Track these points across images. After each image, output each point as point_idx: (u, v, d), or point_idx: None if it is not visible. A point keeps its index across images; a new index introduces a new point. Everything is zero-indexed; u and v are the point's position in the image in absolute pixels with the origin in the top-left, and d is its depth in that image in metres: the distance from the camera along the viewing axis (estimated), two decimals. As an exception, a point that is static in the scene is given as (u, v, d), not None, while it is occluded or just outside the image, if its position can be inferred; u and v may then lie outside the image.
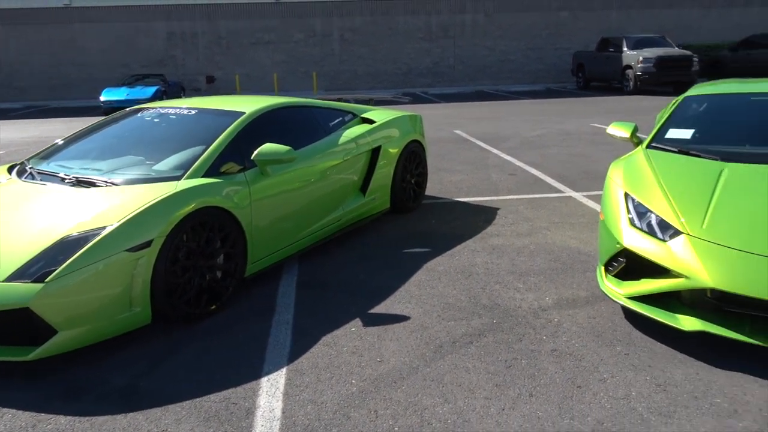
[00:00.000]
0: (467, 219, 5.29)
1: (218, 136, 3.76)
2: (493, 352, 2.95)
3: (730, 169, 3.30)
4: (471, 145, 9.49)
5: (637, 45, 19.07)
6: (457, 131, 11.13)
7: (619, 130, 4.29)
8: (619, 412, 2.44)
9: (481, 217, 5.34)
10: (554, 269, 4.02)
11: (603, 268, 3.32)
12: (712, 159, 3.47)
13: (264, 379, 2.75)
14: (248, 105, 4.28)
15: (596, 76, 20.73)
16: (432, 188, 6.49)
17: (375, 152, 5.00)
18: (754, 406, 2.45)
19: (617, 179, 3.52)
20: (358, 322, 3.31)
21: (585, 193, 6.07)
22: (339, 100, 6.34)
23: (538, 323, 3.25)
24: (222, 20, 23.40)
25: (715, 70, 21.70)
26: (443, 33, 24.67)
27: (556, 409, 2.47)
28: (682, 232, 2.96)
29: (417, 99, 19.19)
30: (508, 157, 8.26)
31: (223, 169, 3.62)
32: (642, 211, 3.19)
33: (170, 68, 23.14)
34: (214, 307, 3.37)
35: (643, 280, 3.06)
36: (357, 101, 6.29)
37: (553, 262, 4.16)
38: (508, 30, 24.83)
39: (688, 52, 18.47)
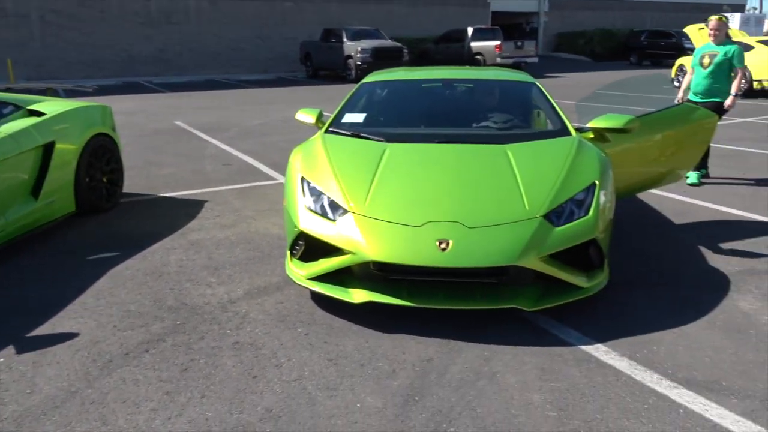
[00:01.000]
0: (169, 215, 4.96)
1: None
2: (169, 357, 2.76)
3: (391, 149, 3.60)
4: (190, 136, 9.04)
5: (355, 36, 20.35)
6: (178, 122, 10.52)
7: (306, 116, 4.41)
8: (289, 395, 2.46)
9: (184, 211, 5.07)
10: (251, 258, 3.98)
11: (289, 252, 3.36)
12: (378, 141, 3.74)
13: None
14: None
15: (323, 65, 21.59)
16: (136, 184, 5.97)
17: (48, 149, 4.36)
18: (409, 363, 2.70)
19: (296, 164, 3.59)
20: (9, 350, 2.82)
21: (295, 179, 6.17)
22: (47, 91, 5.45)
23: (224, 317, 3.15)
24: None
25: (422, 60, 24.36)
26: (165, 19, 23.16)
27: (226, 406, 2.40)
28: (349, 211, 3.12)
29: (138, 89, 17.74)
30: (226, 147, 8.05)
31: None
32: (317, 194, 3.29)
33: None
34: None
35: (321, 260, 3.17)
36: (31, 91, 5.43)
37: (252, 251, 4.12)
38: (234, 17, 24.37)
39: (399, 44, 20.34)
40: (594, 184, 3.22)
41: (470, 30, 22.15)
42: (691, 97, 5.78)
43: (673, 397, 2.42)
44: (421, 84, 4.54)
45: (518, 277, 2.97)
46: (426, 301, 2.94)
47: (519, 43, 21.74)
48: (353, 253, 2.97)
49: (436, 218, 3.00)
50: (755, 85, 13.12)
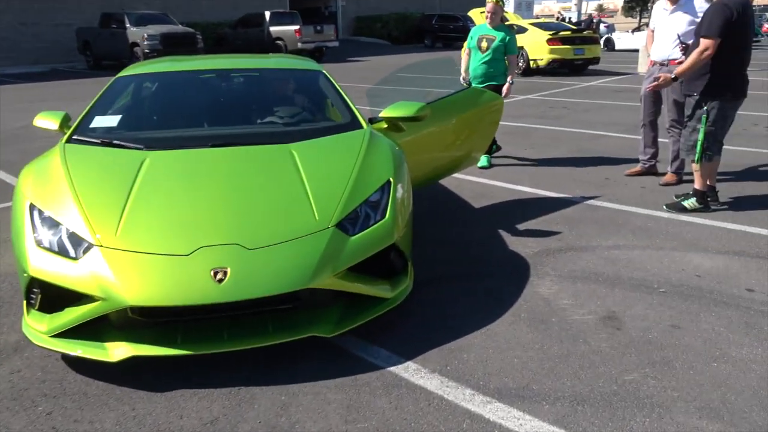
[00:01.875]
0: None
1: None
2: None
3: (152, 158, 2.96)
4: None
5: (140, 21, 18.46)
6: None
7: (48, 121, 3.55)
8: None
9: None
10: (-17, 311, 3.08)
11: (24, 303, 2.59)
12: (136, 148, 3.08)
13: None
14: None
15: (105, 54, 19.33)
16: None
17: None
18: (187, 430, 2.16)
19: (25, 188, 2.80)
20: None
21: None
22: None
23: (-73, 408, 2.31)
24: None
25: (220, 47, 23.06)
26: None
27: None
28: (95, 245, 2.45)
29: None
30: (-31, 160, 6.56)
31: None
32: (52, 226, 2.57)
33: None
34: None
35: (67, 310, 2.47)
36: None
37: (-14, 299, 3.20)
38: (-14, 2, 20.75)
39: (191, 30, 18.90)
40: (389, 182, 2.93)
41: (268, 14, 21.35)
42: (471, 80, 5.80)
43: (487, 416, 2.22)
44: (192, 76, 3.90)
45: (314, 301, 2.57)
46: (206, 345, 2.42)
47: (319, 28, 21.50)
48: (104, 299, 2.34)
49: (209, 242, 2.48)
50: (531, 64, 14.35)
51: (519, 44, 14.51)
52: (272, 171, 2.91)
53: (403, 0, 34.13)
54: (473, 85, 5.60)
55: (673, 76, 4.30)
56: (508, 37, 5.55)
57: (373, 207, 2.81)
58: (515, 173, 5.66)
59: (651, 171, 5.43)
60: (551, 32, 14.26)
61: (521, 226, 4.20)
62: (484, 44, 5.58)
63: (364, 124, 3.49)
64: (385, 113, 3.68)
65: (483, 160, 5.87)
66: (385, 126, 3.76)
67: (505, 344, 2.69)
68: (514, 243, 3.88)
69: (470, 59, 5.77)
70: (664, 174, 5.26)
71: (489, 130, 4.64)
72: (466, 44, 5.80)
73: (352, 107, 3.62)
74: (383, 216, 2.77)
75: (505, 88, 5.60)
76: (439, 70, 15.88)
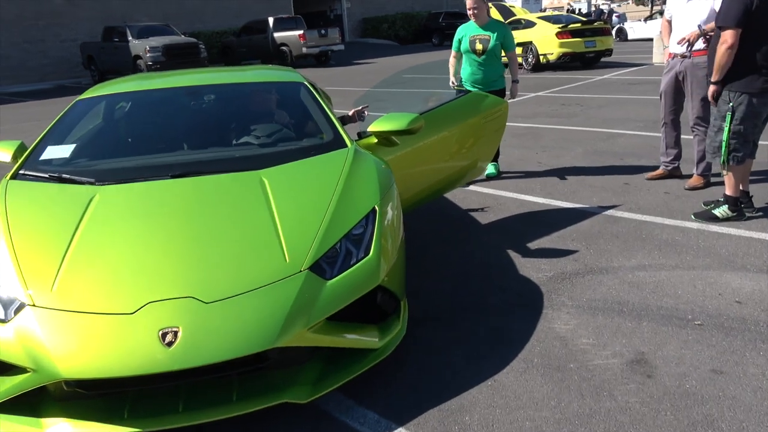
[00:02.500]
0: None
1: None
2: None
3: (102, 195, 2.59)
4: None
5: (141, 34, 18.30)
6: None
7: (1, 152, 3.20)
8: None
9: None
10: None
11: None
12: (87, 183, 2.71)
13: None
14: None
15: (110, 67, 19.17)
16: None
17: None
18: None
19: (-45, 234, 2.44)
20: None
21: None
22: None
23: None
24: None
25: (225, 56, 22.86)
26: None
27: None
28: (27, 304, 2.09)
29: None
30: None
31: None
32: (-20, 281, 2.21)
33: None
34: None
35: (-1, 380, 2.11)
36: None
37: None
38: (-10, 20, 20.74)
39: (193, 40, 18.69)
40: (374, 211, 2.54)
41: (271, 20, 21.07)
42: (468, 87, 5.16)
43: (492, 504, 1.81)
44: (158, 95, 3.51)
45: (285, 360, 2.19)
46: (158, 420, 2.04)
47: (323, 31, 21.15)
48: (34, 371, 1.97)
49: (159, 296, 2.10)
50: (541, 59, 13.85)
51: (527, 39, 14.23)
52: (238, 204, 2.53)
53: (409, -1, 33.72)
54: (472, 89, 5.11)
55: (713, 81, 3.81)
56: (504, 33, 4.96)
57: (356, 242, 2.42)
58: (526, 181, 5.23)
59: (674, 174, 4.97)
60: (561, 25, 13.76)
61: (533, 245, 3.78)
62: (479, 46, 4.96)
63: (347, 141, 3.10)
64: (373, 127, 3.29)
65: (490, 168, 5.40)
66: (376, 141, 3.37)
67: (515, 401, 2.28)
68: (525, 266, 3.46)
69: (461, 63, 5.19)
70: (689, 176, 4.80)
71: (494, 137, 4.23)
72: (453, 48, 5.22)
73: (335, 123, 3.22)
74: (367, 252, 2.38)
75: (512, 91, 5.16)
76: (443, 71, 15.42)
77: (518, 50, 14.03)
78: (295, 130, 3.30)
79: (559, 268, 3.41)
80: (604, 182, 5.01)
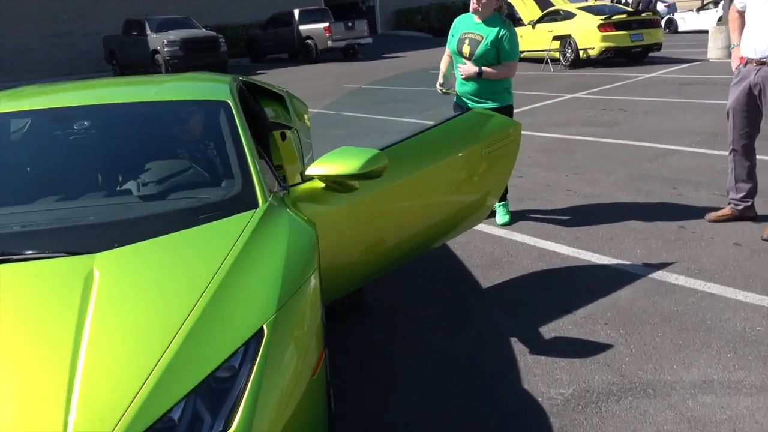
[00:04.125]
0: None
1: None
2: None
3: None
4: None
5: (161, 27, 17.65)
6: None
7: None
8: None
9: None
10: None
11: None
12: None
13: None
14: None
15: (130, 62, 18.66)
16: None
17: None
18: None
19: None
20: None
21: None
22: None
23: None
24: None
25: (251, 49, 22.11)
26: (-77, 21, 18.92)
27: None
28: None
29: None
30: None
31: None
32: None
33: None
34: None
35: None
36: None
37: None
38: (17, 15, 20.45)
39: (213, 33, 17.94)
40: (259, 335, 1.52)
41: (297, 12, 20.16)
42: (459, 95, 3.94)
43: None
44: (21, 121, 2.53)
45: None
46: None
47: (350, 24, 20.11)
48: None
49: None
50: (581, 54, 12.52)
51: (566, 32, 12.87)
52: (33, 322, 1.55)
53: (445, -11, 32.34)
54: (464, 105, 3.88)
55: None
56: (502, 37, 3.64)
57: (215, 397, 1.41)
58: (549, 219, 4.12)
59: (746, 215, 3.79)
60: (603, 16, 12.39)
61: (549, 330, 2.71)
62: (465, 48, 3.72)
63: (260, 197, 2.07)
64: (315, 168, 2.28)
65: (503, 214, 4.09)
66: (323, 185, 2.36)
67: None
68: (533, 374, 2.39)
69: (452, 66, 4.02)
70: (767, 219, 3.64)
71: (501, 170, 3.16)
72: (447, 43, 4.00)
73: (250, 166, 2.20)
74: (228, 425, 1.37)
75: (462, 69, 3.72)
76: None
77: (555, 44, 12.76)
78: (197, 173, 2.29)
79: (583, 380, 2.33)
80: (652, 225, 3.87)
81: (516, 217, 4.16)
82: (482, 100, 3.79)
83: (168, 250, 1.79)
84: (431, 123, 2.99)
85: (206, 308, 1.55)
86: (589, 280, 3.18)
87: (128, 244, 1.80)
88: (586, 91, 9.60)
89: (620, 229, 3.84)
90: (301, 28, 19.94)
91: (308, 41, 19.82)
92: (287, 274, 1.73)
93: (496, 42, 3.66)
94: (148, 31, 17.46)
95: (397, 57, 19.54)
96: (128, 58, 18.58)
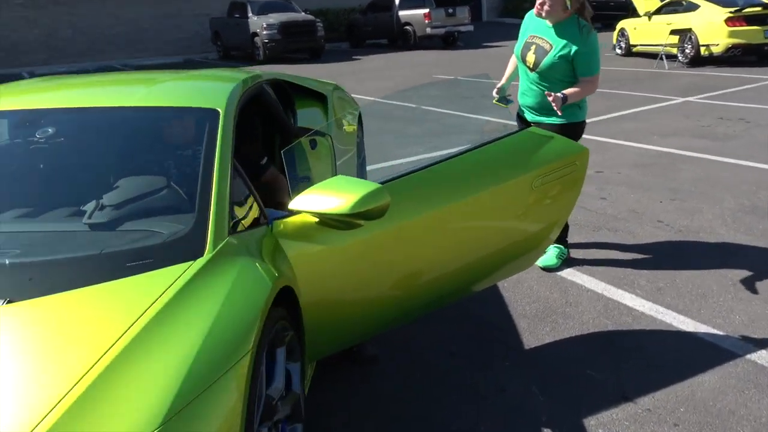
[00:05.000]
0: None
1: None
2: None
3: None
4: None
5: (261, 9, 17.82)
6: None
7: None
8: None
9: None
10: None
11: None
12: None
13: None
14: None
15: (233, 44, 19.10)
16: None
17: None
18: None
19: None
20: None
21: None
22: None
23: None
24: None
25: (351, 35, 21.94)
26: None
27: None
28: None
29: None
30: None
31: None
32: None
33: None
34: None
35: None
36: None
37: None
38: (131, -6, 21.55)
39: (311, 17, 17.87)
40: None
41: (398, -3, 19.69)
42: (521, 107, 3.27)
43: None
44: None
45: None
46: None
47: (451, 10, 19.36)
48: None
49: None
50: (702, 51, 11.10)
51: (686, 25, 11.42)
52: None
53: (559, -25, 30.47)
54: (524, 117, 3.24)
55: None
56: (577, 50, 2.91)
57: None
58: (627, 261, 3.41)
59: None
60: (733, 9, 10.89)
61: (595, 425, 2.09)
62: (530, 56, 3.04)
63: (209, 242, 1.63)
64: (298, 203, 1.84)
65: (551, 256, 3.31)
66: (316, 221, 1.91)
67: None
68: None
69: (518, 72, 3.30)
70: None
71: (560, 205, 2.55)
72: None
73: (211, 199, 1.76)
74: None
75: (551, 99, 2.88)
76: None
77: (673, 39, 11.41)
78: (158, 200, 1.89)
79: None
80: (762, 281, 3.07)
81: (587, 251, 3.48)
82: (545, 115, 3.12)
83: (57, 319, 1.40)
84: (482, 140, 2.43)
85: (62, 419, 1.14)
86: (663, 354, 2.50)
87: (23, 298, 1.43)
88: (704, 95, 8.40)
89: (718, 281, 3.08)
90: (401, 13, 19.46)
91: (407, 27, 19.32)
92: (200, 362, 1.28)
93: (568, 55, 2.96)
94: (250, 14, 17.68)
95: (498, 46, 18.57)
96: (231, 40, 18.98)
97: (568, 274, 3.25)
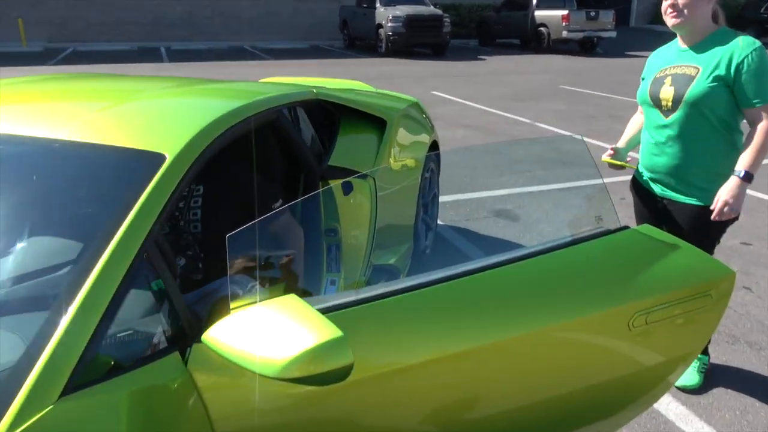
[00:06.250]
0: None
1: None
2: None
3: None
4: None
5: (390, 1, 17.29)
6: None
7: None
8: None
9: None
10: None
11: None
12: None
13: None
14: None
15: (358, 34, 18.84)
16: None
17: None
18: None
19: None
20: None
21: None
22: None
23: None
24: None
25: (481, 32, 20.91)
26: (196, -22, 21.29)
27: None
28: None
29: (145, 56, 15.73)
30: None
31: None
32: None
33: None
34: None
35: None
36: None
37: None
38: (268, -22, 22.01)
39: (438, 12, 17.06)
40: None
41: (538, -5, 18.35)
42: (641, 173, 2.34)
43: None
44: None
45: None
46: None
47: (593, 13, 17.70)
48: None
49: None
50: None
51: None
52: None
53: (727, -20, 27.20)
54: (645, 186, 2.30)
55: None
56: (742, 62, 1.96)
57: None
58: (776, 401, 2.36)
59: None
60: None
61: None
62: (666, 91, 2.11)
63: (9, 413, 0.97)
64: (209, 335, 1.13)
65: (691, 373, 2.45)
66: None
67: None
68: None
69: (643, 126, 2.32)
70: None
71: (686, 339, 1.63)
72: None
73: (74, 307, 1.09)
74: None
75: (715, 209, 2.02)
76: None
77: None
78: (35, 288, 1.25)
79: None
80: None
81: (714, 378, 2.47)
82: (683, 191, 2.16)
83: None
84: (554, 242, 1.58)
85: None
86: None
87: None
88: None
89: None
90: (537, 13, 18.11)
91: (541, 28, 17.95)
92: None
93: (729, 74, 2.00)
94: (377, 5, 17.24)
95: (643, 56, 16.67)
96: (357, 29, 18.71)
97: (678, 417, 2.27)
